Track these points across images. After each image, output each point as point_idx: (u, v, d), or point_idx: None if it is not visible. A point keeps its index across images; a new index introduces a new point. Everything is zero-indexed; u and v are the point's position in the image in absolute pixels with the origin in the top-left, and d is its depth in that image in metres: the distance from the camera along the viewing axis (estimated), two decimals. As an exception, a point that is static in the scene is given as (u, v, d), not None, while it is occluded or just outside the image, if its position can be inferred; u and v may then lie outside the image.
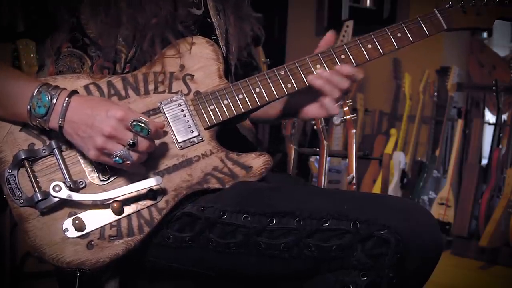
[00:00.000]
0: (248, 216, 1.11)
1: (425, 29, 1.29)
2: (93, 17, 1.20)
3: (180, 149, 1.18)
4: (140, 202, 1.14)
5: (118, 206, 1.12)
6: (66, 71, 1.22)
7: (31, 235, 1.12)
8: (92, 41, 1.22)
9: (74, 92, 1.12)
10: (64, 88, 1.11)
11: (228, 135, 1.25)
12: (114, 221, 1.13)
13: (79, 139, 1.09)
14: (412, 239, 1.01)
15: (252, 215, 1.11)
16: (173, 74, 1.22)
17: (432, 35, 1.30)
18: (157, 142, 1.14)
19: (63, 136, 1.12)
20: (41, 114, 1.09)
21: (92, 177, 1.15)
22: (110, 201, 1.12)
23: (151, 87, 1.20)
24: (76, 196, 1.11)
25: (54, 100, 1.09)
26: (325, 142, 2.35)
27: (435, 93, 4.36)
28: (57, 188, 1.10)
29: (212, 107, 1.21)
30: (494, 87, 3.90)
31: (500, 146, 3.94)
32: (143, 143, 1.09)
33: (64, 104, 1.09)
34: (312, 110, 1.34)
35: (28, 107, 1.09)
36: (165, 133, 1.18)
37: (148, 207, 1.14)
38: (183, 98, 1.20)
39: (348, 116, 2.32)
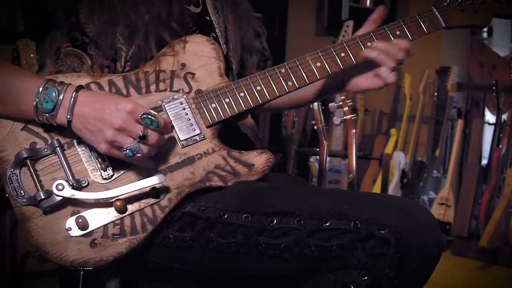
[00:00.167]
0: (248, 215, 1.11)
1: (424, 27, 1.30)
2: (91, 16, 1.21)
3: (182, 147, 1.18)
4: (143, 201, 1.14)
5: (121, 205, 1.12)
6: (66, 70, 1.22)
7: (34, 234, 1.12)
8: (91, 40, 1.22)
9: (81, 87, 1.12)
10: (70, 84, 1.12)
11: (229, 133, 1.25)
12: (117, 220, 1.13)
13: (89, 133, 1.09)
14: (412, 239, 1.01)
15: (253, 215, 1.11)
16: (174, 72, 1.22)
17: (430, 33, 1.31)
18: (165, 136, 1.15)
19: (71, 132, 1.12)
20: (48, 110, 1.09)
21: (95, 175, 1.15)
22: (113, 200, 1.12)
23: (153, 85, 1.20)
24: (79, 195, 1.11)
25: (61, 95, 1.09)
26: (325, 142, 2.34)
27: (435, 93, 4.36)
28: (60, 187, 1.10)
29: (213, 105, 1.21)
30: (494, 87, 3.90)
31: (500, 146, 3.94)
32: (153, 136, 1.09)
33: (72, 99, 1.09)
34: (364, 81, 1.34)
35: (35, 103, 1.09)
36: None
37: (151, 205, 1.14)
38: (184, 96, 1.21)
39: (348, 116, 2.31)
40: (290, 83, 1.24)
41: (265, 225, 1.09)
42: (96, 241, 1.12)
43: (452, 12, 1.32)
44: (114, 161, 1.14)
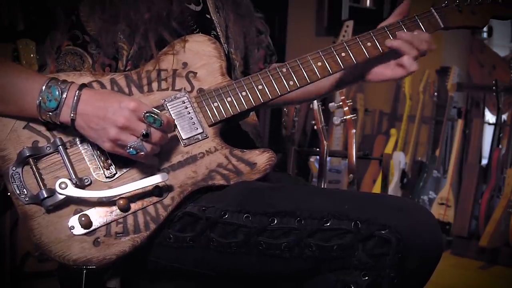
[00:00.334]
0: (249, 216, 1.11)
1: (423, 27, 1.32)
2: (92, 14, 1.21)
3: (185, 146, 1.18)
4: (146, 199, 1.14)
5: (124, 203, 1.12)
6: (67, 69, 1.22)
7: (36, 233, 1.11)
8: (92, 39, 1.22)
9: (84, 86, 1.12)
10: (73, 82, 1.11)
11: (229, 131, 1.25)
12: (120, 218, 1.13)
13: (92, 132, 1.10)
14: (412, 239, 1.01)
15: (253, 215, 1.11)
16: (176, 71, 1.22)
17: (429, 33, 1.32)
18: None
19: (73, 130, 1.12)
20: (51, 108, 1.09)
21: (98, 174, 1.15)
22: (116, 198, 1.12)
23: (154, 84, 1.20)
24: (82, 193, 1.11)
25: (65, 94, 1.09)
26: (325, 142, 2.35)
27: (435, 93, 4.36)
28: (63, 185, 1.10)
29: (215, 104, 1.21)
30: (494, 87, 3.90)
31: (500, 146, 3.94)
32: (156, 134, 1.09)
33: (75, 97, 1.09)
34: (387, 71, 1.35)
35: (38, 101, 1.09)
36: None
37: (154, 203, 1.14)
38: (186, 95, 1.21)
39: (348, 116, 2.32)
40: (291, 82, 1.25)
41: (265, 225, 1.10)
42: (99, 240, 1.12)
43: (450, 13, 1.34)
44: (116, 159, 1.14)
